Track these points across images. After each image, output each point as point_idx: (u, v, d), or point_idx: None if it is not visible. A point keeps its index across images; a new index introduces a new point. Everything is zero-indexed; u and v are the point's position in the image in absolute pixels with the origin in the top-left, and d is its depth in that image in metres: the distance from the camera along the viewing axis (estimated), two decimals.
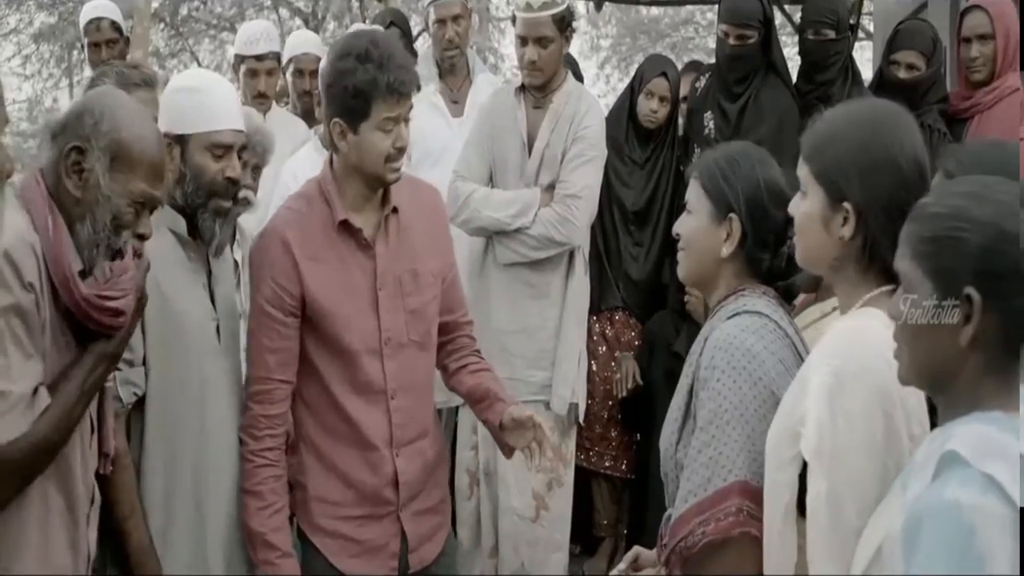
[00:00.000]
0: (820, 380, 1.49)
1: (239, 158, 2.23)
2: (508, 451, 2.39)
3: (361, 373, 2.22)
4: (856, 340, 1.52)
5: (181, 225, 2.20)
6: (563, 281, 3.43)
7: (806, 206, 1.64)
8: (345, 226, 2.22)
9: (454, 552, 2.51)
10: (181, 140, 2.17)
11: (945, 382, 1.30)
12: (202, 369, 2.18)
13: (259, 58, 3.91)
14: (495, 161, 3.43)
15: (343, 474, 2.25)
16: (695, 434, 1.75)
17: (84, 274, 1.77)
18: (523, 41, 3.36)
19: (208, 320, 2.22)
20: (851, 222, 1.59)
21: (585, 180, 3.34)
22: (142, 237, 1.85)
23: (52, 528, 1.72)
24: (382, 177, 2.21)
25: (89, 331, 1.79)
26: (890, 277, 1.57)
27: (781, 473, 1.55)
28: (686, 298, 3.49)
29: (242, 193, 3.02)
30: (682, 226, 1.94)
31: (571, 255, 3.43)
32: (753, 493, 1.66)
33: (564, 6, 3.36)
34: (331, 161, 2.28)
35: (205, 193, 2.17)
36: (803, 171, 1.65)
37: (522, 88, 3.47)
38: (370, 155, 2.18)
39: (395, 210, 2.27)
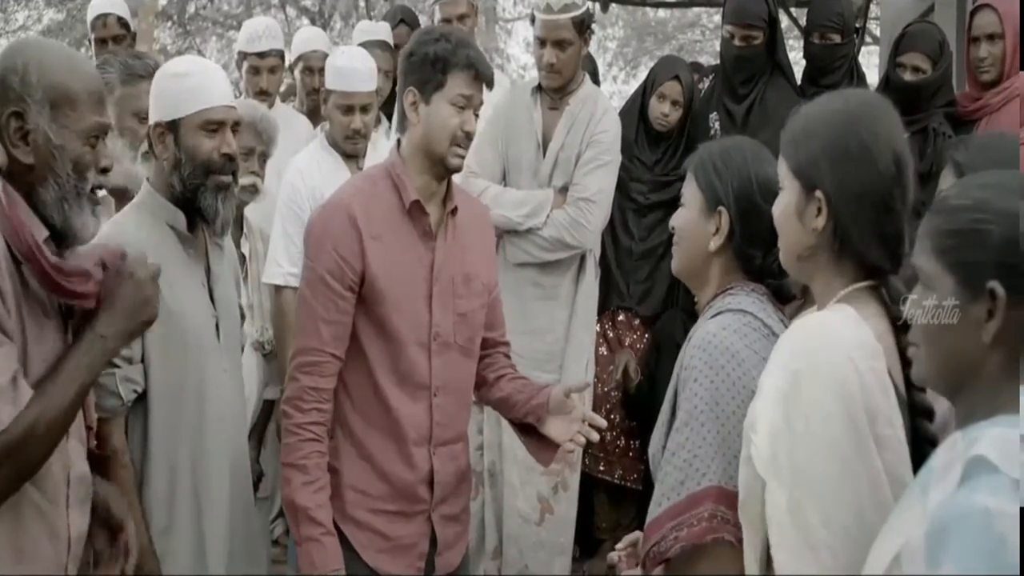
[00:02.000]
0: (773, 383, 1.44)
1: (234, 134, 2.19)
2: (547, 456, 2.35)
3: (408, 365, 2.21)
4: (815, 337, 1.47)
5: (181, 221, 2.17)
6: (573, 284, 3.43)
7: (782, 200, 1.62)
8: (413, 209, 2.22)
9: (467, 564, 2.50)
10: (173, 126, 2.14)
11: (964, 382, 1.26)
12: (201, 367, 2.15)
13: (261, 55, 3.91)
14: (509, 160, 3.43)
15: (379, 466, 2.23)
16: (671, 436, 1.73)
17: (57, 237, 1.70)
18: (541, 43, 3.35)
19: (208, 318, 2.20)
20: (824, 211, 1.54)
21: (599, 184, 3.34)
22: (105, 171, 1.77)
23: (23, 515, 1.65)
24: (445, 158, 2.21)
25: (67, 305, 1.74)
26: (865, 272, 1.56)
27: (741, 471, 1.52)
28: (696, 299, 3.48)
29: (249, 180, 3.04)
30: (676, 219, 1.93)
31: (582, 258, 3.43)
32: (728, 497, 1.63)
33: (584, 8, 3.35)
34: (398, 146, 2.28)
35: (203, 171, 2.13)
36: (781, 168, 1.63)
37: (538, 88, 3.46)
38: (438, 130, 2.19)
39: (454, 211, 2.27)
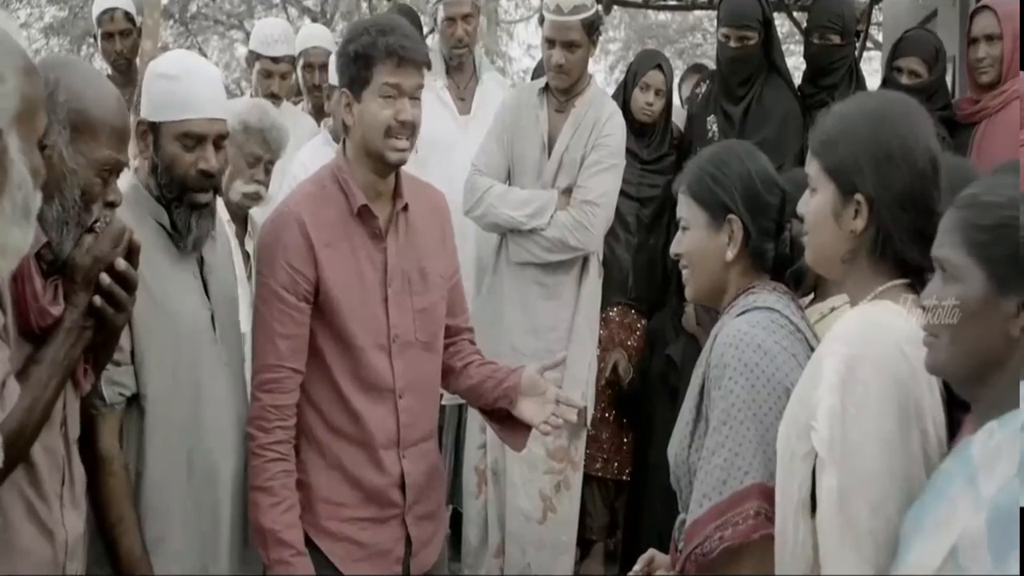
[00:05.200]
0: (832, 369, 1.44)
1: (218, 148, 2.07)
2: (520, 440, 2.33)
3: (369, 369, 2.17)
4: (869, 329, 1.48)
5: (165, 217, 2.07)
6: (576, 283, 3.44)
7: (816, 202, 1.60)
8: (362, 213, 2.17)
9: (444, 562, 2.46)
10: (154, 128, 2.05)
11: (987, 374, 1.27)
12: (197, 364, 2.07)
13: (275, 60, 3.93)
14: (513, 159, 3.44)
15: (349, 474, 2.19)
16: (708, 435, 1.71)
17: (50, 248, 1.68)
18: (550, 44, 3.37)
19: (201, 310, 2.11)
20: (863, 214, 1.54)
21: (603, 187, 3.35)
22: (112, 205, 1.74)
23: (14, 515, 1.63)
24: (383, 153, 2.13)
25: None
26: (902, 270, 1.55)
27: (793, 470, 1.50)
28: (687, 308, 3.51)
29: (252, 188, 2.95)
30: (680, 244, 1.90)
31: (585, 261, 3.44)
32: (770, 494, 1.61)
33: (593, 11, 3.37)
34: (344, 148, 2.22)
35: (178, 186, 2.04)
36: (812, 167, 1.61)
37: (545, 89, 3.47)
38: (371, 126, 2.12)
39: (406, 207, 2.22)
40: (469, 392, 2.39)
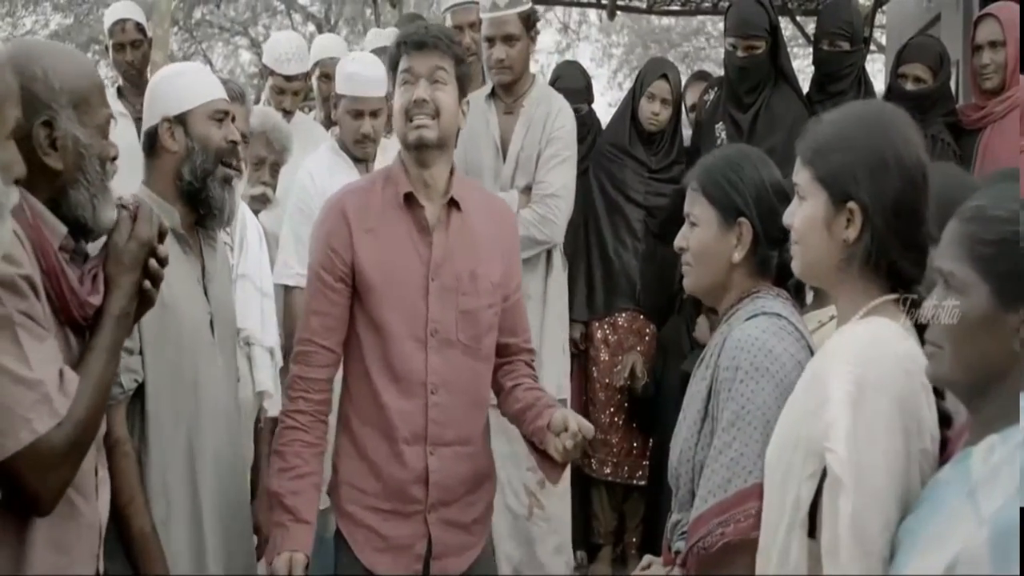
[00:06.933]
0: (842, 389, 1.43)
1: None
2: (555, 474, 2.25)
3: (401, 360, 2.20)
4: (872, 346, 1.47)
5: (175, 219, 2.18)
6: (542, 281, 3.49)
7: (806, 210, 1.59)
8: (409, 202, 2.23)
9: (492, 569, 2.42)
10: (182, 118, 2.19)
11: (989, 386, 1.27)
12: (195, 362, 2.16)
13: (288, 78, 3.97)
14: (468, 167, 3.47)
15: (373, 463, 2.22)
16: (717, 435, 1.74)
17: (71, 237, 1.72)
18: (491, 42, 3.45)
19: (203, 314, 2.20)
20: (856, 222, 1.53)
21: (562, 179, 3.42)
22: (113, 159, 1.81)
23: (60, 512, 1.67)
24: (405, 136, 2.21)
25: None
26: (893, 283, 1.55)
27: (788, 488, 1.49)
28: (698, 319, 3.53)
29: (259, 190, 3.08)
30: (686, 239, 1.91)
31: (549, 255, 3.49)
32: None
33: (528, 5, 3.46)
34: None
35: (213, 159, 2.19)
36: (802, 176, 1.61)
37: (492, 95, 3.54)
38: (395, 113, 2.23)
39: (457, 205, 2.24)
40: (513, 419, 2.36)
